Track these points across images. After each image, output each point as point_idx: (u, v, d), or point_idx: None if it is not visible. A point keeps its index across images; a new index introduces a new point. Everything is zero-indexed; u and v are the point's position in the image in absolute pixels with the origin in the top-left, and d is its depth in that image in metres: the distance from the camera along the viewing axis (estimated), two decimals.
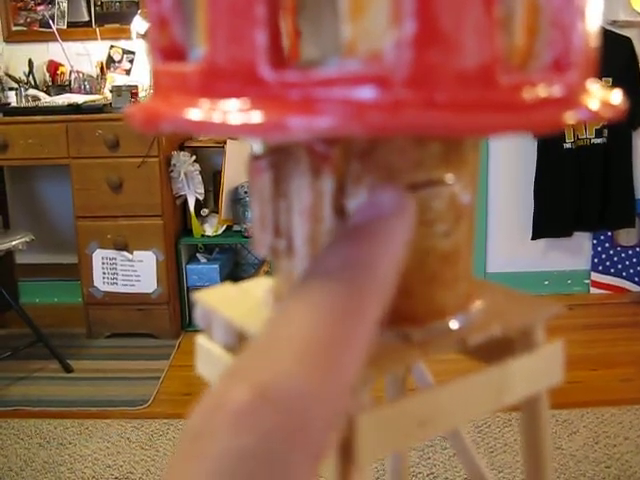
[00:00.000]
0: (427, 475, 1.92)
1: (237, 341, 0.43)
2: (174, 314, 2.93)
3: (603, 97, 0.29)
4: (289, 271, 0.38)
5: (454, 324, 0.38)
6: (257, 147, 2.38)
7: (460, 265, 0.38)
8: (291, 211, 0.35)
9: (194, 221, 2.96)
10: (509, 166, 3.30)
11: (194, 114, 0.27)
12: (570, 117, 0.26)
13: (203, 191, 2.94)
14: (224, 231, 3.00)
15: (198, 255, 3.07)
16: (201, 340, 0.45)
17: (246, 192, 2.87)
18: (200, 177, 2.92)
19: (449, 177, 0.34)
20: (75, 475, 1.95)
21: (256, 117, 0.25)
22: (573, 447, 2.02)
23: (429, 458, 1.99)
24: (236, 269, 3.34)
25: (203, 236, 2.99)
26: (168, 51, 0.31)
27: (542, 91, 0.26)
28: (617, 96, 0.30)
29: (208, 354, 0.44)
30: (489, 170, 3.30)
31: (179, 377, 2.55)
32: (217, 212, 2.98)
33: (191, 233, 2.99)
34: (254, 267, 3.27)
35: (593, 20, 0.29)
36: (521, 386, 0.42)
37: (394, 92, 0.24)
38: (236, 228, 3.01)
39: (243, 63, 0.26)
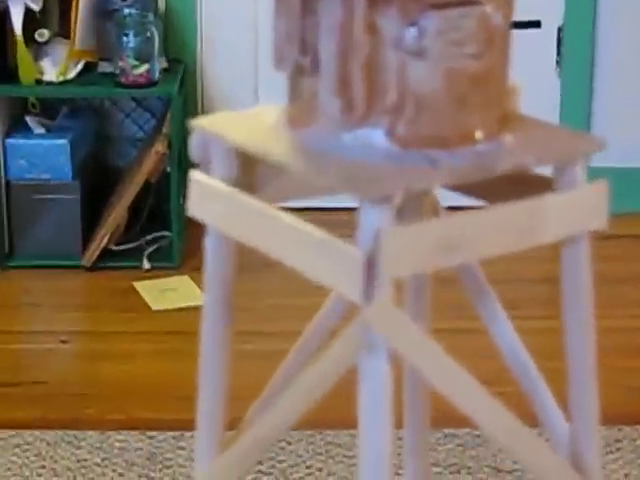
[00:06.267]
0: None
1: (241, 172, 0.45)
2: None
3: None
4: (311, 91, 0.44)
5: (482, 150, 0.43)
6: None
7: (491, 90, 0.42)
8: (319, 28, 0.42)
9: (22, 53, 2.03)
10: None
11: None
12: None
13: None
14: (81, 73, 2.10)
15: (28, 120, 2.16)
16: (196, 176, 0.48)
17: None
18: None
19: None
20: None
21: None
22: None
23: None
24: (103, 145, 2.35)
25: (39, 82, 2.09)
26: None
27: None
28: None
29: (205, 190, 0.47)
30: None
31: None
32: (66, 36, 2.09)
33: (16, 77, 2.06)
34: (134, 144, 2.26)
35: None
36: (557, 225, 0.45)
37: None
38: (104, 68, 2.11)
39: None
